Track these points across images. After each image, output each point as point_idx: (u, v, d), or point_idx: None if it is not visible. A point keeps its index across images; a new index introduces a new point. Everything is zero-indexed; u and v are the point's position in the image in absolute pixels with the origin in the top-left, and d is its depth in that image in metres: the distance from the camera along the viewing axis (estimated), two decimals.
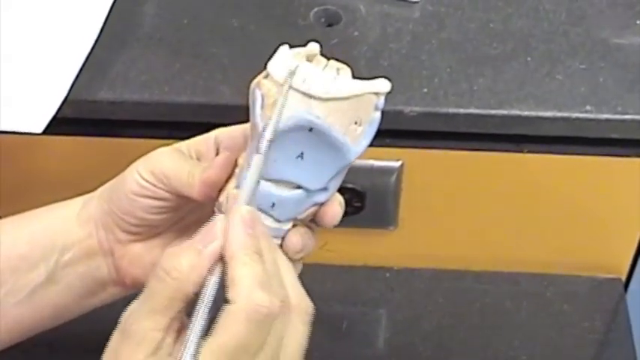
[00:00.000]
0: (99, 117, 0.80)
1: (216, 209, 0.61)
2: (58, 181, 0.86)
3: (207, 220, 0.56)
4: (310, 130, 0.57)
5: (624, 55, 0.82)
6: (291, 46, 0.59)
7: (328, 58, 0.60)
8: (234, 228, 0.55)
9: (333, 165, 0.60)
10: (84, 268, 0.68)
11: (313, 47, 0.60)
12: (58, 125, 0.76)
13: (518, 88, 0.79)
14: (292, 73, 0.57)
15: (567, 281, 0.90)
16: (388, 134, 0.80)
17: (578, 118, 0.78)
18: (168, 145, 0.78)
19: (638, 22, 0.86)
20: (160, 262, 0.54)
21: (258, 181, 0.57)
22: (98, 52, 0.81)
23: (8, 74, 0.79)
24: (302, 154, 0.58)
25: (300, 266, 0.63)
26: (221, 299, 0.53)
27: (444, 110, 0.78)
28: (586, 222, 0.88)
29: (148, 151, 0.78)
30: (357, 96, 0.58)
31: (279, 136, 0.57)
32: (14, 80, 0.78)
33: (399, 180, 0.85)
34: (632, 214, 0.87)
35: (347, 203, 0.82)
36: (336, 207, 0.62)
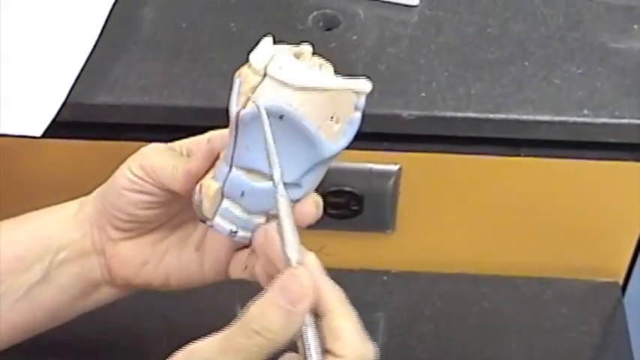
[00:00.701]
0: (98, 120, 0.80)
1: (193, 200, 0.61)
2: (56, 184, 0.85)
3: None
4: (281, 117, 0.56)
5: (622, 60, 0.82)
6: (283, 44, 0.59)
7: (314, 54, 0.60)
8: (325, 281, 0.54)
9: (306, 159, 0.59)
10: (77, 268, 0.68)
11: (305, 47, 0.60)
12: (57, 128, 0.76)
13: (515, 92, 0.79)
14: (269, 60, 0.57)
15: (565, 285, 0.90)
16: (386, 138, 0.81)
17: (575, 123, 0.78)
18: None
19: (635, 26, 0.86)
20: (247, 320, 0.53)
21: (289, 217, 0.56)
22: (97, 56, 0.81)
23: (8, 77, 0.79)
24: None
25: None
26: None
27: (441, 114, 0.78)
28: (583, 226, 0.88)
29: None
30: (334, 90, 0.58)
31: (252, 122, 0.57)
32: (13, 83, 0.78)
33: (396, 183, 0.85)
34: (629, 218, 0.87)
35: (345, 207, 0.85)
36: (308, 206, 0.61)
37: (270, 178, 0.57)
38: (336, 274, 0.83)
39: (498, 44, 0.84)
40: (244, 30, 0.85)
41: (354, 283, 0.90)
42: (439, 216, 0.89)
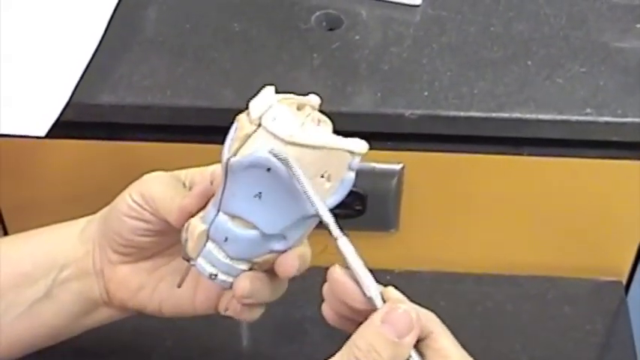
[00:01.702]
0: (101, 120, 0.80)
1: (181, 237, 0.62)
2: (60, 184, 0.87)
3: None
4: (268, 170, 0.56)
5: (624, 59, 0.83)
6: (283, 92, 0.59)
7: (320, 111, 0.60)
8: (415, 306, 0.57)
9: (291, 213, 0.58)
10: (79, 287, 0.69)
11: (312, 98, 0.60)
12: (61, 128, 0.76)
13: (518, 91, 0.80)
14: (266, 111, 0.57)
15: (568, 284, 0.90)
16: (389, 137, 0.81)
17: (578, 121, 0.78)
18: (169, 148, 0.81)
19: (638, 25, 0.86)
20: (354, 350, 0.56)
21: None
22: (101, 56, 0.81)
23: (11, 78, 0.79)
24: (260, 194, 0.57)
25: (284, 286, 0.64)
26: None
27: (444, 113, 0.78)
28: (587, 225, 0.88)
29: (150, 155, 0.81)
30: (326, 148, 0.57)
31: (240, 170, 0.57)
32: (17, 84, 0.79)
33: (399, 183, 0.85)
34: (632, 217, 0.87)
35: (348, 206, 0.85)
36: (291, 259, 0.61)
37: (253, 227, 0.58)
38: None
39: (501, 43, 0.84)
40: (247, 30, 0.85)
41: None
42: (442, 215, 0.89)
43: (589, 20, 0.86)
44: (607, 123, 0.78)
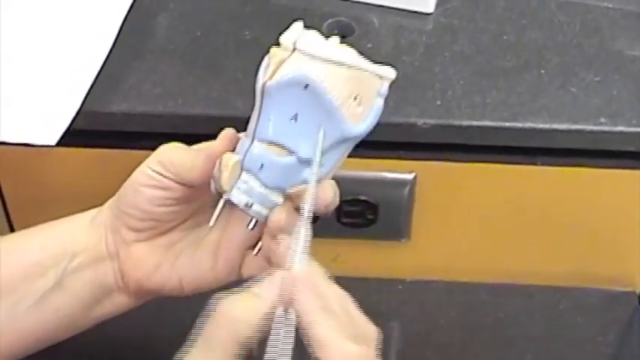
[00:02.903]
0: (112, 129, 0.80)
1: (212, 175, 0.63)
2: (71, 193, 0.86)
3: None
4: (306, 87, 0.59)
5: (639, 67, 0.82)
6: None
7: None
8: (303, 290, 0.55)
9: (327, 135, 0.60)
10: (91, 274, 0.69)
11: (333, 37, 0.63)
12: (72, 137, 0.76)
13: (531, 100, 0.79)
14: (299, 37, 0.60)
15: (581, 294, 0.90)
16: (401, 146, 0.81)
17: (592, 131, 0.78)
18: None
19: None
20: (216, 308, 0.54)
21: (306, 242, 0.57)
22: (112, 64, 0.81)
23: (23, 85, 0.79)
24: (296, 115, 0.60)
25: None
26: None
27: (457, 122, 0.78)
28: (600, 235, 0.88)
29: None
30: (358, 69, 0.60)
31: (277, 92, 0.59)
32: (28, 92, 0.79)
33: (412, 192, 0.85)
34: None
35: (360, 215, 0.86)
36: (328, 192, 0.61)
37: (290, 153, 0.60)
38: (350, 283, 0.83)
39: (514, 52, 0.84)
40: (258, 38, 0.85)
41: (368, 291, 0.89)
42: (454, 225, 0.89)
43: (603, 28, 0.86)
44: (621, 132, 0.78)
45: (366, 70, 0.61)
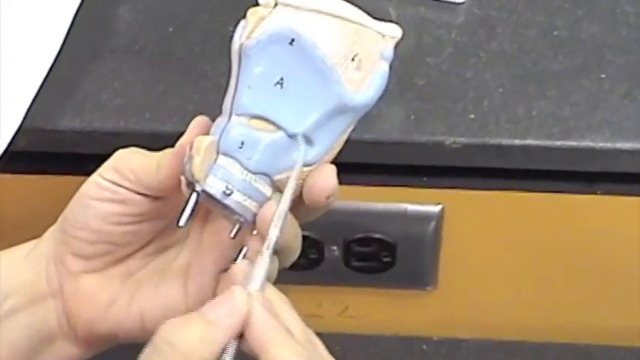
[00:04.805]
0: (62, 150, 0.80)
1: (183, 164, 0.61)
2: (9, 226, 0.84)
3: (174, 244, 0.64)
4: (291, 42, 0.57)
5: None
6: None
7: None
8: (258, 312, 0.56)
9: (320, 103, 0.59)
10: (27, 318, 0.67)
11: None
12: (11, 160, 0.75)
13: (589, 112, 0.78)
14: None
15: None
16: (425, 171, 0.80)
17: None
18: None
19: None
20: (161, 333, 0.54)
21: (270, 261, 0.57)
22: (61, 68, 0.80)
23: None
24: (281, 80, 0.58)
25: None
26: None
27: (494, 141, 0.77)
28: None
29: None
30: (356, 24, 0.59)
31: (257, 52, 0.58)
32: None
33: (438, 228, 0.84)
34: None
35: (374, 257, 0.85)
36: (328, 174, 0.60)
37: (276, 128, 0.58)
38: (362, 342, 0.88)
39: (567, 51, 0.82)
40: None
41: (386, 352, 0.89)
42: (491, 269, 0.88)
43: None
44: None
45: (366, 26, 0.59)
